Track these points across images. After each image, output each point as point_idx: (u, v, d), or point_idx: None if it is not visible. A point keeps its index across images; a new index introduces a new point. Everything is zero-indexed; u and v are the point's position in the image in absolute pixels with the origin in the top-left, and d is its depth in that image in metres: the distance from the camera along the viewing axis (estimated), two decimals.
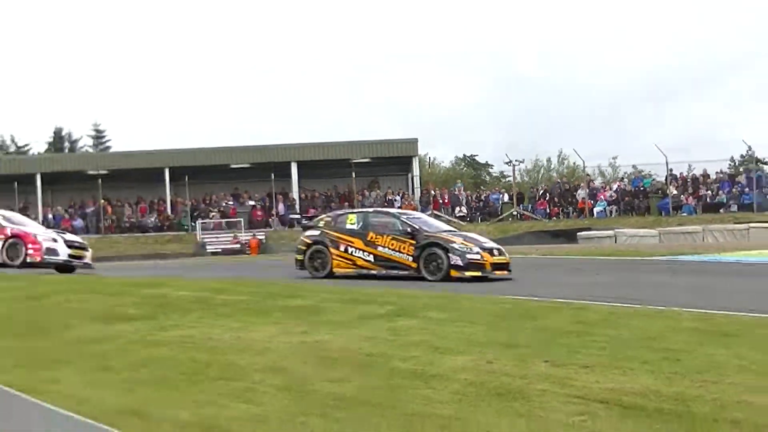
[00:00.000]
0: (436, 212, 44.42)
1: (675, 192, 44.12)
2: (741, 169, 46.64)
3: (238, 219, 44.62)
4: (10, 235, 21.37)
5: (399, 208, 44.62)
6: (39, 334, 11.59)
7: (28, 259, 21.02)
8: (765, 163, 48.86)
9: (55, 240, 21.74)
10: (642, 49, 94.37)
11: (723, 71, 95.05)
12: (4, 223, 21.85)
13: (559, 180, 52.87)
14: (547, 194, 47.39)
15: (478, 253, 18.61)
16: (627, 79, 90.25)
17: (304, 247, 20.65)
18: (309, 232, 21.21)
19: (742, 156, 47.93)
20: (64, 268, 21.57)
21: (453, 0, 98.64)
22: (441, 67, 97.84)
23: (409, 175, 48.79)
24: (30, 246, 21.04)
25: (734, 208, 42.40)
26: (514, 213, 44.73)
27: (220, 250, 40.61)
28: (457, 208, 45.44)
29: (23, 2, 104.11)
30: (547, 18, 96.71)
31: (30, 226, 23.65)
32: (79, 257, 22.47)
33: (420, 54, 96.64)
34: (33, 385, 7.77)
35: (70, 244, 22.23)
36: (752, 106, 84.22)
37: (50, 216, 46.48)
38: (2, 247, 21.09)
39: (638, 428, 6.57)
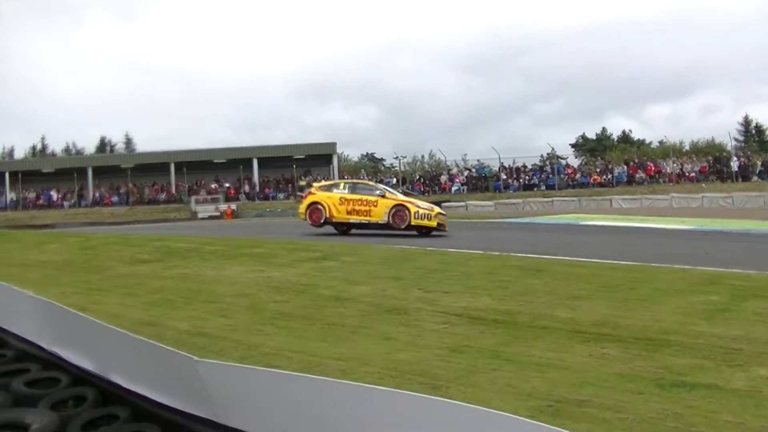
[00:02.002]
0: None
1: (504, 177, 44.87)
2: (547, 162, 47.60)
3: (218, 196, 43.94)
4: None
5: None
6: (90, 272, 11.30)
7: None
8: (562, 158, 50.27)
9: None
10: (476, 88, 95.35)
11: (532, 102, 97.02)
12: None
13: (429, 169, 53.12)
14: (422, 178, 47.62)
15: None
16: (472, 106, 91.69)
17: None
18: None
19: (548, 154, 48.87)
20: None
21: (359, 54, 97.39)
22: (349, 98, 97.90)
23: (331, 167, 48.37)
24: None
25: (543, 187, 43.44)
26: (399, 191, 44.70)
27: (207, 216, 39.70)
28: None
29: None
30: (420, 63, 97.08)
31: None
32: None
33: (337, 91, 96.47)
34: (85, 306, 7.59)
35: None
36: (553, 123, 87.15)
37: (97, 194, 46.09)
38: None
39: (481, 331, 6.65)
